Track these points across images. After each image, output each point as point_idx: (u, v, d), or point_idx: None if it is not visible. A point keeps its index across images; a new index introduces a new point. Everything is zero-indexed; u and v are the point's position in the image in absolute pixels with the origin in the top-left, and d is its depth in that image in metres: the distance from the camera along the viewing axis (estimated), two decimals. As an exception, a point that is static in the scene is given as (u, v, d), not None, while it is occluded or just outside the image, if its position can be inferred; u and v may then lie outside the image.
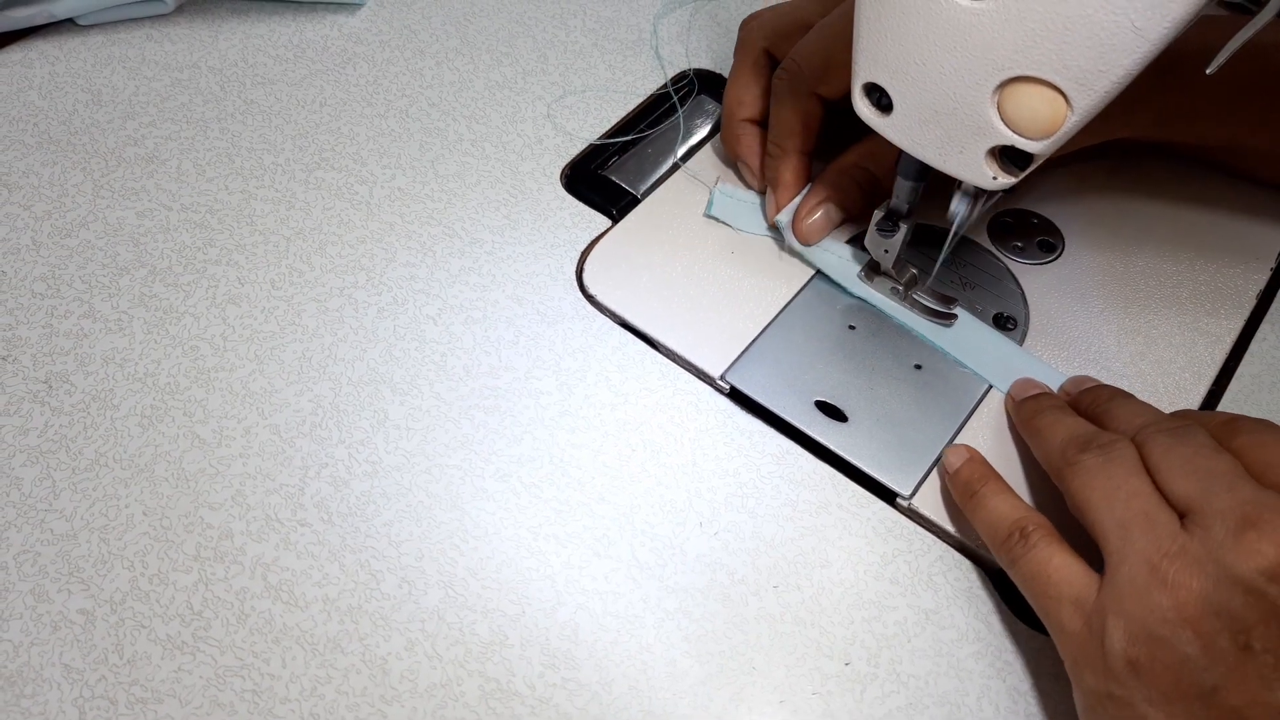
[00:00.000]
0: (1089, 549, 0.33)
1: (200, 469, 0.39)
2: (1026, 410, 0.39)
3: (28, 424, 0.41)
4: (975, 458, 0.39)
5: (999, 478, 0.37)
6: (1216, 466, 0.31)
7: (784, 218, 0.45)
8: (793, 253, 0.46)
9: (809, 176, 0.45)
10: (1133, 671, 0.30)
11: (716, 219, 0.47)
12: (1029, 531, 0.34)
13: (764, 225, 0.47)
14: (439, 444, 0.40)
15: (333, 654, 0.35)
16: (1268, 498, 0.30)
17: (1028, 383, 0.41)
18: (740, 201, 0.48)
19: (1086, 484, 0.33)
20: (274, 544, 0.38)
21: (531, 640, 0.36)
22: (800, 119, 0.44)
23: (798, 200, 0.45)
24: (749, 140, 0.47)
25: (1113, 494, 0.32)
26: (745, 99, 0.47)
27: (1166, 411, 0.37)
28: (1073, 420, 0.37)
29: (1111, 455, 0.33)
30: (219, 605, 0.36)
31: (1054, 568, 0.33)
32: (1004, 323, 0.44)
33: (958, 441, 0.40)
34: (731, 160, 0.49)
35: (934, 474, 0.40)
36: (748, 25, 0.47)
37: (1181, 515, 0.31)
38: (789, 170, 0.45)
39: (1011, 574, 0.35)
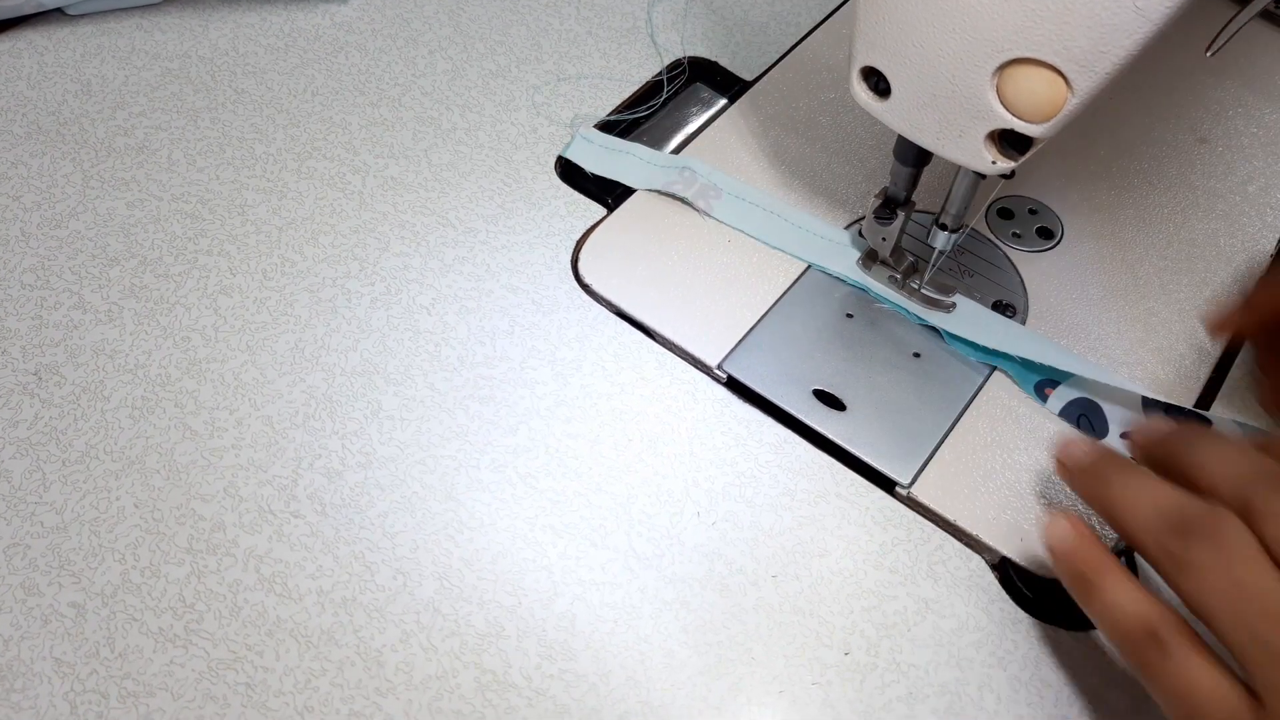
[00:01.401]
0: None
1: (192, 460, 0.39)
2: (1089, 481, 0.33)
3: (17, 416, 0.40)
4: (1083, 533, 0.32)
5: (1116, 562, 0.31)
6: None
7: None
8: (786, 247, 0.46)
9: None
10: None
11: (572, 161, 0.49)
12: (1165, 639, 0.28)
13: (626, 171, 0.48)
14: (433, 434, 0.40)
15: (327, 646, 0.35)
16: None
17: (1075, 444, 0.34)
18: (603, 148, 0.49)
19: (1202, 589, 0.28)
20: (267, 536, 0.37)
21: (528, 631, 0.35)
22: None
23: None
24: None
25: (1241, 603, 0.27)
26: None
27: (1165, 411, 0.34)
28: (1155, 488, 0.31)
29: (1222, 544, 0.28)
30: (211, 598, 0.36)
31: (1200, 686, 0.28)
32: (1003, 310, 0.44)
33: (958, 428, 0.40)
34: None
35: (933, 462, 0.39)
36: None
37: None
38: None
39: (1143, 681, 0.30)
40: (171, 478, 0.39)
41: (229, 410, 0.40)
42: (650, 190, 0.47)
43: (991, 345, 0.42)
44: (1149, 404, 0.41)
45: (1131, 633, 0.29)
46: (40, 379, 0.41)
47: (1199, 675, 0.28)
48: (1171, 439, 0.33)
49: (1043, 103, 0.31)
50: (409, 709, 0.34)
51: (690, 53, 0.54)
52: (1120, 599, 0.30)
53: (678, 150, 0.50)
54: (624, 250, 0.45)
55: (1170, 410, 0.40)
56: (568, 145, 0.49)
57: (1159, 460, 0.33)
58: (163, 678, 0.34)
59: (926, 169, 0.39)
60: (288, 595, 0.36)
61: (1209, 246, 0.47)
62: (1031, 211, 0.48)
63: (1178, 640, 0.28)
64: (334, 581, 0.36)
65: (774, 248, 0.45)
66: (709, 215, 0.46)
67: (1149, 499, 0.30)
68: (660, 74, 0.53)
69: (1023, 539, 0.38)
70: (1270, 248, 0.46)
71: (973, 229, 0.47)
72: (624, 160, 0.48)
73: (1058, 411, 0.41)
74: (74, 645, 0.35)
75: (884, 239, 0.42)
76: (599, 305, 0.44)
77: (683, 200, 0.47)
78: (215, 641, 0.35)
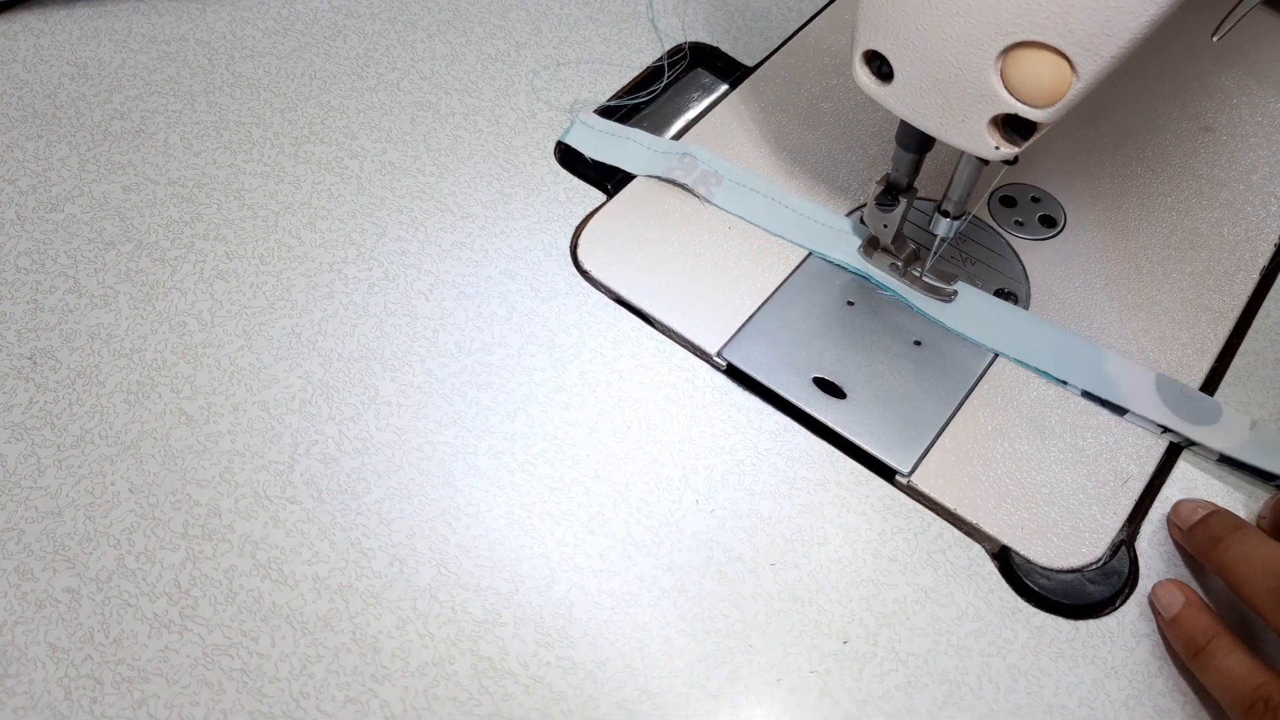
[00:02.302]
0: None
1: (188, 446, 0.39)
2: (1200, 540, 0.36)
3: (12, 400, 0.40)
4: (1194, 601, 0.35)
5: (1227, 629, 0.34)
6: None
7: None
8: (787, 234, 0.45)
9: None
10: None
11: (571, 146, 0.48)
12: (1276, 705, 0.30)
13: (625, 157, 0.48)
14: (431, 421, 0.40)
15: (323, 633, 0.35)
16: None
17: (1186, 504, 0.37)
18: (603, 133, 0.48)
19: None
20: (263, 521, 0.37)
21: (525, 618, 0.35)
22: None
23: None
24: None
25: None
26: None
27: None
28: (1268, 547, 0.33)
29: None
30: (207, 583, 0.36)
31: None
32: (1005, 298, 0.44)
33: (958, 416, 0.40)
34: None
35: (933, 451, 0.39)
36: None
37: None
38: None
39: None
40: (167, 463, 0.38)
41: (225, 395, 0.40)
42: (650, 176, 0.47)
43: (991, 344, 0.41)
44: (1162, 383, 0.40)
45: (1245, 698, 0.31)
46: (35, 363, 0.41)
47: None
48: (1206, 525, 0.36)
49: (1047, 87, 0.31)
50: (405, 696, 0.34)
51: (691, 38, 0.54)
52: (1233, 665, 0.32)
53: (678, 136, 0.49)
54: (623, 236, 0.45)
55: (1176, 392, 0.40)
56: (567, 130, 0.49)
57: (1272, 523, 0.36)
58: (157, 663, 0.34)
59: (929, 155, 0.39)
60: (283, 581, 0.36)
61: (1212, 235, 0.46)
62: (1034, 199, 0.47)
63: None
64: (330, 568, 0.36)
65: (775, 235, 0.45)
66: (709, 202, 0.46)
67: (1262, 560, 0.33)
68: (661, 59, 0.53)
69: (1023, 528, 0.37)
70: (1274, 238, 0.46)
71: (975, 216, 0.46)
72: (624, 146, 0.48)
73: (1079, 392, 0.40)
74: (68, 631, 0.35)
75: (885, 226, 0.42)
76: (598, 292, 0.44)
77: (683, 187, 0.46)
78: (210, 627, 0.35)
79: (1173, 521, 0.38)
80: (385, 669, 0.34)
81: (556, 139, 0.49)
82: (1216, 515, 0.36)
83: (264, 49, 0.53)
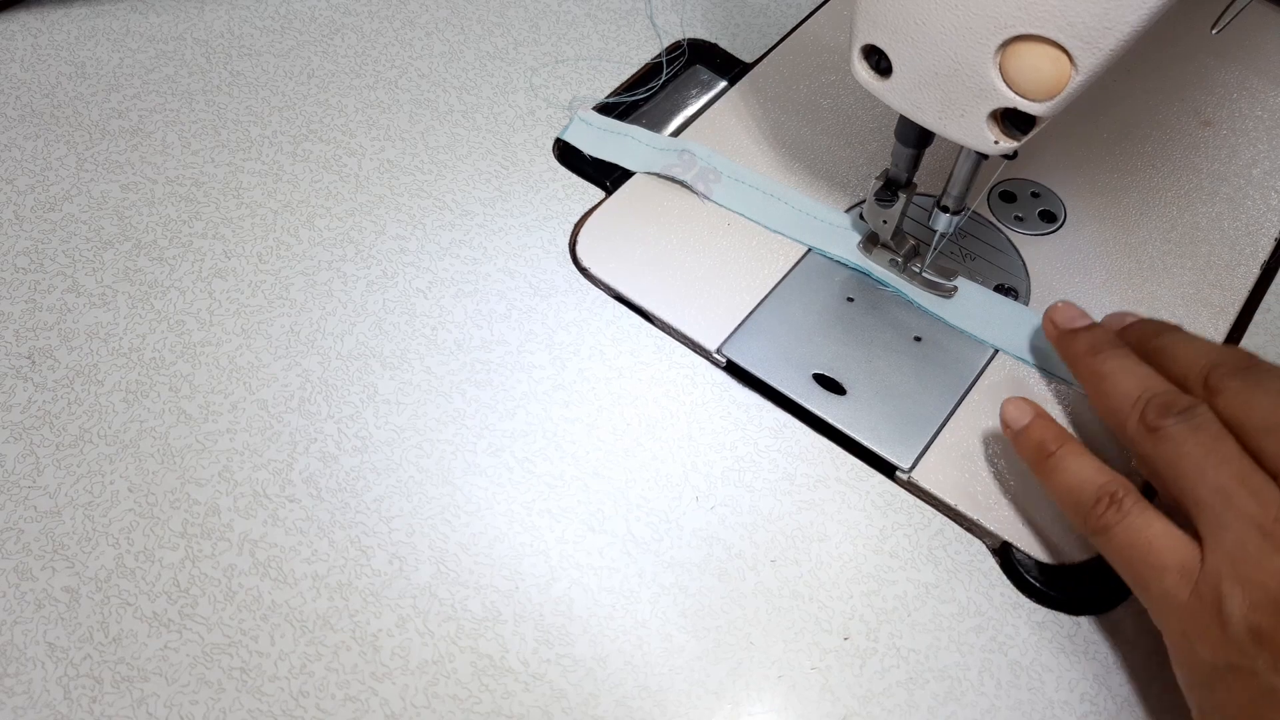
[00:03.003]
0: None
1: (186, 445, 0.39)
2: (1081, 346, 0.36)
3: (10, 399, 0.40)
4: (1043, 413, 0.36)
5: (1073, 437, 0.35)
6: None
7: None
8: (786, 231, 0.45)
9: None
10: (1256, 640, 0.28)
11: (570, 144, 0.48)
12: (1120, 497, 0.32)
13: (623, 154, 0.48)
14: (430, 419, 0.40)
15: (322, 631, 0.35)
16: None
17: (1072, 309, 0.38)
18: (602, 130, 0.48)
19: (1175, 452, 0.31)
20: (262, 520, 0.37)
21: (525, 616, 0.35)
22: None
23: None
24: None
25: (1203, 461, 0.31)
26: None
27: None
28: (1143, 371, 0.34)
29: (1197, 422, 0.32)
30: (206, 582, 0.36)
31: (1154, 534, 0.31)
32: (1005, 294, 0.43)
33: (959, 412, 0.40)
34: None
35: (934, 447, 0.39)
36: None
37: (1276, 475, 0.30)
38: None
39: (1100, 543, 0.33)
40: (166, 462, 0.38)
41: (224, 394, 0.40)
42: (649, 173, 0.47)
43: (991, 340, 0.41)
44: None
45: (1090, 496, 0.33)
46: (34, 362, 0.41)
47: (1152, 524, 0.31)
48: (1144, 325, 0.37)
49: (1046, 80, 0.31)
50: (405, 694, 0.34)
51: (690, 34, 0.54)
52: (1081, 467, 0.34)
53: (677, 133, 0.49)
54: (622, 234, 0.45)
55: None
56: (565, 128, 0.49)
57: (1132, 345, 0.36)
58: (157, 663, 0.34)
59: (928, 151, 0.39)
60: (283, 580, 0.36)
61: (1213, 230, 0.46)
62: (1034, 194, 0.47)
63: (1131, 499, 0.32)
64: (329, 566, 0.36)
65: (774, 231, 0.45)
66: (708, 199, 0.46)
67: (1137, 380, 0.34)
68: (659, 56, 0.53)
69: (1025, 524, 0.37)
70: (1275, 232, 0.46)
71: (975, 212, 0.46)
72: (623, 143, 0.48)
73: (1079, 387, 0.40)
74: (67, 630, 0.35)
75: (885, 221, 0.41)
76: (597, 289, 0.44)
77: (681, 184, 0.46)
78: (210, 626, 0.35)
79: (1050, 318, 0.38)
80: (385, 667, 0.34)
81: (555, 136, 0.49)
82: (1101, 328, 0.37)
83: (262, 47, 0.53)
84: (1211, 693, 0.30)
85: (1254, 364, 0.33)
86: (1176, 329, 0.36)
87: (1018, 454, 0.36)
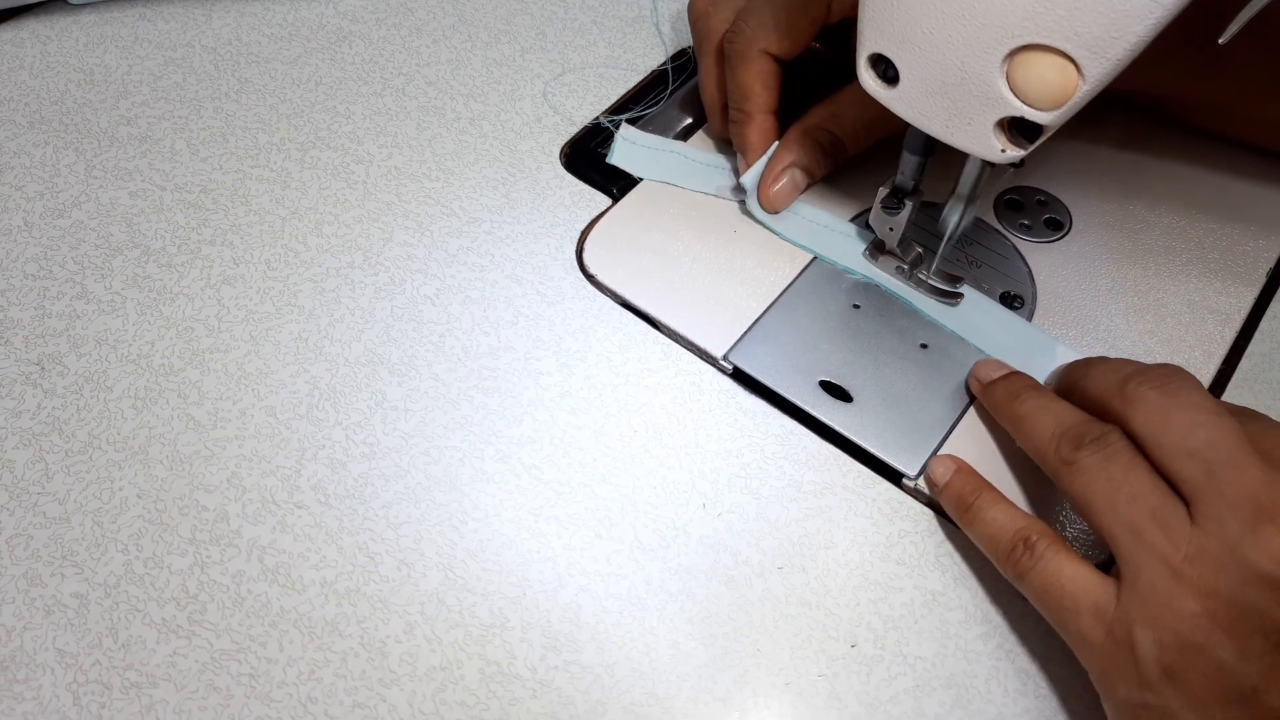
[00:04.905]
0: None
1: (195, 451, 0.39)
2: (999, 395, 0.38)
3: (20, 406, 0.40)
4: (963, 468, 0.37)
5: (991, 487, 0.36)
6: (1217, 439, 0.30)
7: (748, 181, 0.45)
8: (781, 234, 0.45)
9: (776, 137, 0.45)
10: (1168, 679, 0.29)
11: (618, 166, 0.48)
12: (1033, 542, 0.33)
13: (673, 173, 0.47)
14: (437, 425, 0.40)
15: (330, 637, 0.35)
16: (1274, 482, 0.29)
17: (990, 364, 0.40)
18: (646, 148, 0.48)
19: (1088, 486, 0.32)
20: (270, 526, 0.37)
21: (532, 623, 0.35)
22: (757, 79, 0.43)
23: (761, 163, 0.44)
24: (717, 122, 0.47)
25: (1115, 495, 0.31)
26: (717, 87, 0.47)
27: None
28: (1058, 406, 0.35)
29: (1109, 452, 0.32)
30: (215, 588, 0.36)
31: (1066, 577, 0.32)
32: (1011, 301, 0.44)
33: (965, 419, 0.40)
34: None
35: (941, 454, 0.39)
36: (700, 11, 0.46)
37: (1187, 501, 0.30)
38: (754, 132, 0.44)
39: (1020, 587, 0.34)
40: (175, 468, 0.38)
41: (232, 401, 0.40)
42: (662, 182, 0.47)
43: (992, 351, 0.41)
44: None
45: (1007, 543, 0.34)
46: (43, 369, 0.41)
47: (1065, 567, 0.32)
48: (1071, 367, 0.38)
49: (1053, 89, 0.31)
50: (413, 700, 0.34)
51: (696, 42, 0.54)
52: (997, 515, 0.35)
53: (683, 140, 0.49)
54: (629, 241, 0.45)
55: None
56: (611, 151, 0.48)
57: (1062, 386, 0.38)
58: (166, 669, 0.34)
59: (933, 159, 0.39)
60: (291, 586, 0.36)
61: (1219, 238, 0.46)
62: (1040, 202, 0.47)
63: (1046, 542, 0.33)
64: (338, 572, 0.36)
65: (781, 236, 0.45)
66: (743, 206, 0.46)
67: (1053, 417, 0.35)
68: (665, 64, 0.53)
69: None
70: (1281, 239, 0.46)
71: (981, 220, 0.46)
72: (673, 160, 0.48)
73: None
74: (77, 636, 0.35)
75: (891, 229, 0.42)
76: (604, 296, 0.44)
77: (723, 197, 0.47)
78: (218, 632, 0.35)
79: (974, 376, 0.40)
80: (393, 673, 0.34)
81: (562, 143, 0.49)
82: (1016, 374, 0.39)
83: (270, 55, 0.53)
84: None
85: (1173, 376, 0.33)
86: (1099, 360, 0.37)
87: (945, 509, 0.37)
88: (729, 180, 0.47)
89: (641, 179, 0.47)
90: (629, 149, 0.48)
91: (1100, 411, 0.34)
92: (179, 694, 0.34)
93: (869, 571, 0.37)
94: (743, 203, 0.46)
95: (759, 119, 0.44)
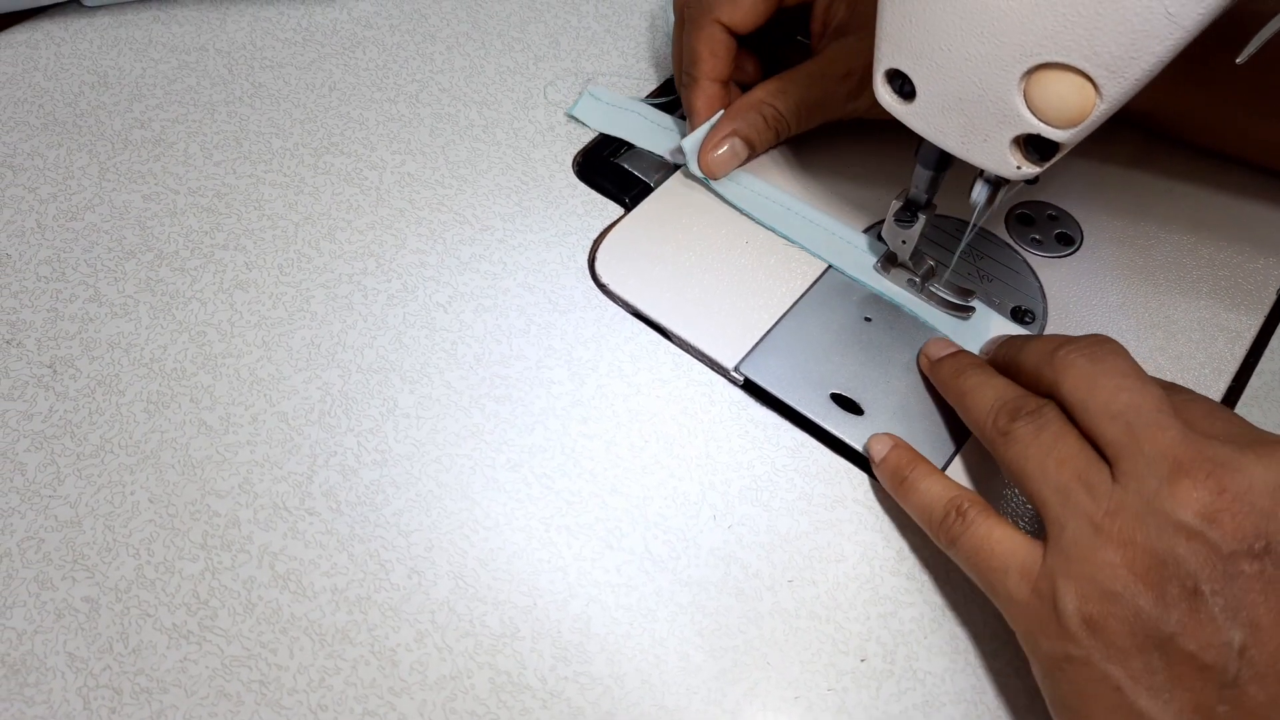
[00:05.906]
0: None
1: (207, 456, 0.39)
2: (945, 371, 0.39)
3: (32, 409, 0.40)
4: (900, 444, 0.38)
5: (926, 461, 0.37)
6: (1139, 402, 0.31)
7: (687, 144, 0.46)
8: (787, 240, 0.45)
9: (722, 106, 0.46)
10: (1089, 630, 0.30)
11: (577, 119, 0.50)
12: (965, 509, 0.34)
13: (631, 131, 0.49)
14: (449, 433, 0.40)
15: (341, 645, 0.35)
16: (1192, 440, 0.30)
17: (940, 343, 0.41)
18: (609, 105, 0.50)
19: (1021, 454, 0.33)
20: (282, 532, 0.37)
21: (543, 633, 0.35)
22: (706, 45, 0.45)
23: (704, 129, 0.46)
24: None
25: (1045, 460, 0.32)
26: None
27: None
28: (998, 382, 0.37)
29: (1041, 422, 0.33)
30: (225, 594, 0.36)
31: (995, 540, 0.33)
32: (1022, 316, 0.44)
33: (972, 440, 0.40)
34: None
35: (951, 468, 0.39)
36: None
37: (1111, 461, 0.31)
38: (699, 98, 0.46)
39: (952, 553, 0.35)
40: (186, 473, 0.38)
41: (244, 406, 0.40)
42: (661, 186, 0.47)
43: None
44: None
45: (940, 511, 0.35)
46: (55, 372, 0.41)
47: (994, 530, 0.33)
48: (1010, 341, 0.39)
49: (1071, 108, 0.31)
50: (423, 709, 0.34)
51: (709, 52, 0.54)
52: (930, 485, 0.36)
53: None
54: (641, 250, 0.45)
55: None
56: (575, 103, 0.50)
57: (1001, 360, 0.38)
58: (176, 674, 0.34)
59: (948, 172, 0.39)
60: (302, 593, 0.36)
61: (1230, 254, 0.46)
62: (1051, 217, 0.47)
63: (976, 509, 0.34)
64: (348, 579, 0.36)
65: (789, 240, 0.45)
66: (723, 198, 0.47)
67: (993, 391, 0.36)
68: (678, 73, 0.53)
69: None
70: (1291, 256, 0.46)
71: (992, 234, 0.46)
72: (630, 119, 0.49)
73: None
74: (87, 640, 0.35)
75: (904, 242, 0.42)
76: (616, 305, 0.44)
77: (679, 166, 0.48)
78: (229, 638, 0.35)
79: (924, 353, 0.41)
80: (403, 681, 0.34)
81: (575, 151, 0.49)
82: (962, 352, 0.40)
83: (284, 59, 0.53)
84: (1055, 684, 0.31)
85: (1101, 344, 0.34)
86: (1026, 339, 0.38)
87: (882, 484, 0.38)
88: (678, 147, 0.48)
89: (650, 185, 0.47)
90: (593, 104, 0.50)
91: (1034, 381, 0.35)
92: (189, 700, 0.34)
93: (879, 585, 0.37)
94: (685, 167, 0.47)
95: (704, 85, 0.46)
